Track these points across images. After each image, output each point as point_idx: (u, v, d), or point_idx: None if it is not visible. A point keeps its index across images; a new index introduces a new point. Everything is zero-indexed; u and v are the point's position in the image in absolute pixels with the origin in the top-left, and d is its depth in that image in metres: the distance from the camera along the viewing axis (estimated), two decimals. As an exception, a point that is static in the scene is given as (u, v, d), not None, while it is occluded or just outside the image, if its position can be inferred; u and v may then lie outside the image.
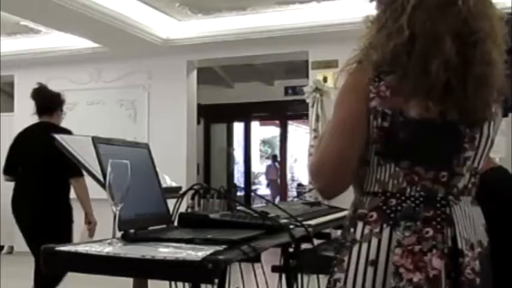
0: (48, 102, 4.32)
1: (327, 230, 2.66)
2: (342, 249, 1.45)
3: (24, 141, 4.22)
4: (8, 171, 4.23)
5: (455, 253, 1.39)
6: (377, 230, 1.40)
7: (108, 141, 1.78)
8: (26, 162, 4.13)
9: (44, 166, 4.01)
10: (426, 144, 1.41)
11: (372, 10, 1.49)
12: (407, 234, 1.38)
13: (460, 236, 1.40)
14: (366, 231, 1.41)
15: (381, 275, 1.38)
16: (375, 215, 1.41)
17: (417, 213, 1.39)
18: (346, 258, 1.43)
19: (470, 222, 1.44)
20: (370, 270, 1.39)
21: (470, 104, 1.39)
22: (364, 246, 1.40)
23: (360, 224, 1.43)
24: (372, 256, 1.39)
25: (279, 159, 13.86)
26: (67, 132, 3.92)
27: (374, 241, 1.39)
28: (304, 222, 1.96)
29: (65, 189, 4.11)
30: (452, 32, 1.36)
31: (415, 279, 1.36)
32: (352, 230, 1.44)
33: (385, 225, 1.40)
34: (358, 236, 1.42)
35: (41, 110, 4.27)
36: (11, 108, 8.99)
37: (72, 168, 3.28)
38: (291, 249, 2.34)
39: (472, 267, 1.41)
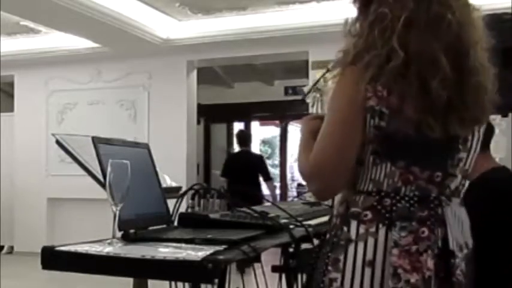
0: (245, 138, 7.60)
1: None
2: (336, 248, 1.43)
3: (237, 159, 7.59)
4: (225, 175, 7.25)
5: (445, 254, 1.40)
6: (373, 229, 1.39)
7: (108, 141, 1.78)
8: (239, 170, 7.07)
9: (251, 172, 7.14)
10: (422, 145, 1.40)
11: (352, 12, 1.48)
12: (403, 235, 1.37)
13: (452, 236, 1.41)
14: (362, 230, 1.40)
15: (378, 275, 1.38)
16: (369, 214, 1.40)
17: (412, 213, 1.39)
18: (341, 258, 1.41)
19: (458, 224, 1.45)
20: (367, 270, 1.38)
21: (471, 114, 1.40)
22: (361, 245, 1.39)
23: (354, 223, 1.41)
24: (369, 256, 1.38)
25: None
26: (259, 155, 7.96)
27: (370, 241, 1.39)
28: (304, 222, 1.96)
29: (260, 185, 7.44)
30: (445, 47, 1.36)
31: (413, 280, 1.36)
32: (345, 228, 1.42)
33: (380, 225, 1.39)
34: (353, 235, 1.40)
35: (241, 143, 7.53)
36: (11, 108, 8.99)
37: (266, 173, 7.39)
38: (291, 249, 2.33)
39: (461, 268, 1.42)
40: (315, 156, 1.42)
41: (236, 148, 7.71)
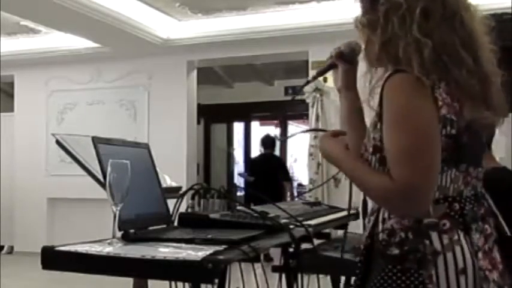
0: (270, 142, 8.39)
1: (327, 230, 2.66)
2: (425, 264, 1.37)
3: (261, 161, 8.38)
4: (251, 175, 8.31)
5: (501, 241, 1.42)
6: (455, 237, 1.37)
7: (108, 141, 1.78)
8: (262, 171, 8.10)
9: (272, 173, 8.04)
10: (476, 144, 1.41)
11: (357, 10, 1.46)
12: (477, 236, 1.38)
13: (503, 224, 1.44)
14: (445, 240, 1.36)
15: (471, 282, 1.36)
16: (447, 223, 1.37)
17: (476, 213, 1.40)
18: (433, 272, 1.36)
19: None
20: (462, 279, 1.35)
21: (499, 107, 1.42)
22: (449, 255, 1.36)
23: (434, 234, 1.37)
24: (461, 265, 1.36)
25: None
26: (279, 158, 9.13)
27: (457, 249, 1.36)
28: (304, 222, 1.96)
29: (280, 186, 8.07)
30: (461, 42, 1.36)
31: (495, 278, 1.38)
32: (427, 241, 1.37)
33: (459, 231, 1.37)
34: (438, 247, 1.36)
35: (266, 146, 8.34)
36: (11, 108, 9.00)
37: (285, 174, 8.30)
38: (291, 249, 2.33)
39: None
40: (405, 178, 1.30)
41: (260, 150, 8.52)
